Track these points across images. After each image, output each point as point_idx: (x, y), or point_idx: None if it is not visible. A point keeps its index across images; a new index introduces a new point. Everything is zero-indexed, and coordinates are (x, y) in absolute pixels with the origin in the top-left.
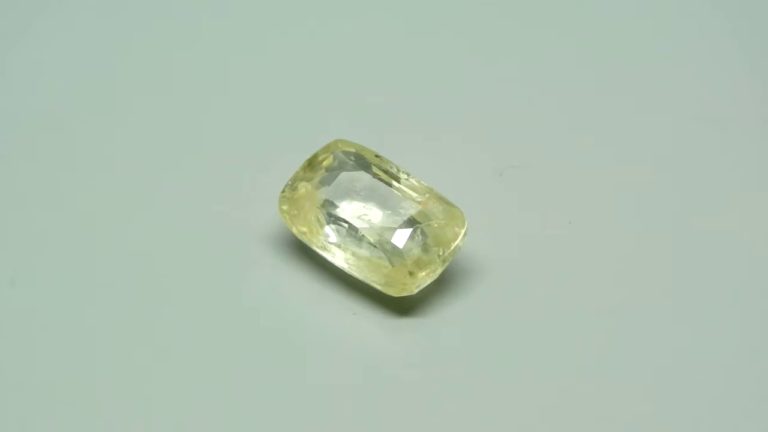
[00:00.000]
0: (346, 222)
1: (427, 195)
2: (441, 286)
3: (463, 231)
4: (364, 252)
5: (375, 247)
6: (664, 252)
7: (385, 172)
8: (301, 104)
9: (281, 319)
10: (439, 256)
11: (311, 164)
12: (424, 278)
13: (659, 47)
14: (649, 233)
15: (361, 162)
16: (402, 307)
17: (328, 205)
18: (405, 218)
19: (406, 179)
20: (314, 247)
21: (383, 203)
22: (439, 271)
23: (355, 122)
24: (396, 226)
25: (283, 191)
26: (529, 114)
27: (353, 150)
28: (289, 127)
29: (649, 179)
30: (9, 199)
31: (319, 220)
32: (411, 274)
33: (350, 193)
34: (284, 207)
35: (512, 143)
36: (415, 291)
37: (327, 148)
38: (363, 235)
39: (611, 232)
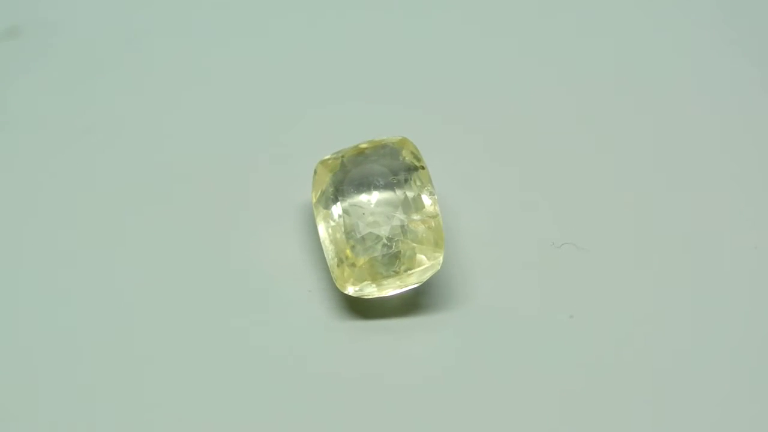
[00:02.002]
0: (344, 202)
1: (426, 217)
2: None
3: (432, 267)
4: (337, 232)
5: (345, 232)
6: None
7: (414, 182)
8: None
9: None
10: (395, 274)
11: (359, 146)
12: (365, 286)
13: None
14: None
15: (402, 165)
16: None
17: (342, 182)
18: (391, 225)
19: (426, 195)
20: (315, 215)
21: (385, 203)
22: (389, 290)
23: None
24: (377, 225)
25: (327, 158)
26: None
27: (406, 151)
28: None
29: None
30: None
31: (326, 192)
32: (350, 272)
33: (366, 184)
34: (317, 169)
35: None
36: (349, 291)
37: (385, 140)
38: (346, 221)
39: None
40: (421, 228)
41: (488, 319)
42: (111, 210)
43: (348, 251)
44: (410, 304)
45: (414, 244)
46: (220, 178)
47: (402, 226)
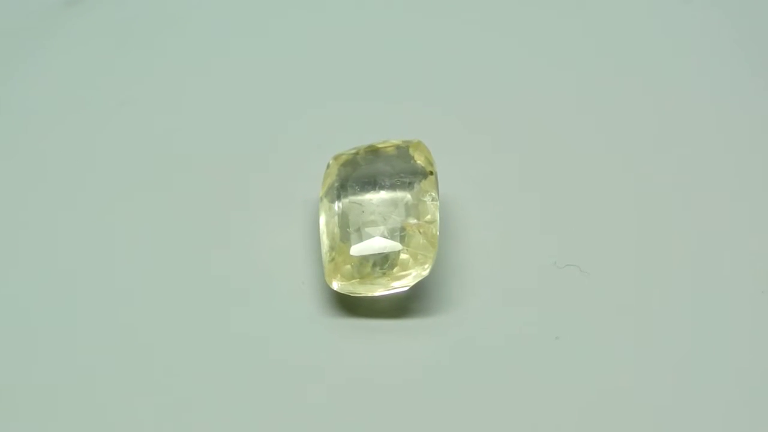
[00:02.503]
0: (346, 197)
1: (423, 223)
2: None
3: (420, 273)
4: (334, 226)
5: (341, 227)
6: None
7: (421, 186)
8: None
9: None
10: (382, 275)
11: (376, 145)
12: (352, 284)
13: None
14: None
15: (411, 168)
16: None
17: (348, 179)
18: (386, 226)
19: (428, 201)
20: (319, 207)
21: (386, 204)
22: (375, 291)
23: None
24: (373, 224)
25: (342, 153)
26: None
27: (419, 155)
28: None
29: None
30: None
31: (332, 186)
32: (339, 267)
33: (372, 182)
34: (329, 163)
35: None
36: (334, 286)
37: (401, 141)
38: (344, 216)
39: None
40: (415, 233)
41: (474, 330)
42: (115, 195)
43: (341, 246)
44: (400, 307)
45: (406, 248)
46: (235, 169)
47: (397, 229)
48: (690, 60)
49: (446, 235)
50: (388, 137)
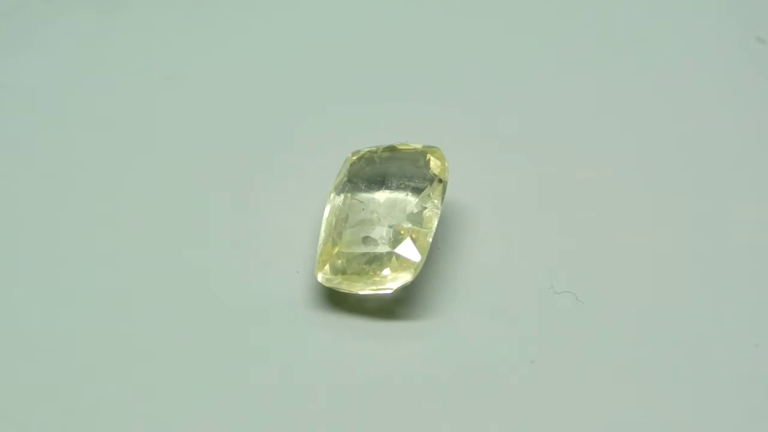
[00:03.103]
0: (351, 192)
1: (417, 229)
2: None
3: (404, 278)
4: (333, 219)
5: (338, 220)
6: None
7: (426, 193)
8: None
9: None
10: (367, 274)
11: (395, 145)
12: (337, 278)
13: None
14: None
15: (422, 174)
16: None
17: (356, 174)
18: (381, 226)
19: (429, 209)
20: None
21: (388, 205)
22: (358, 289)
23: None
24: (369, 223)
25: (361, 149)
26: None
27: (434, 161)
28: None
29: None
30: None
31: (342, 179)
32: (328, 259)
33: (380, 182)
34: (347, 157)
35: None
36: (318, 278)
37: (419, 146)
38: (344, 210)
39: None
40: (407, 238)
41: (453, 341)
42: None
43: (334, 239)
44: (386, 309)
45: (395, 252)
46: (265, 153)
47: (391, 231)
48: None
49: (448, 243)
50: (417, 139)
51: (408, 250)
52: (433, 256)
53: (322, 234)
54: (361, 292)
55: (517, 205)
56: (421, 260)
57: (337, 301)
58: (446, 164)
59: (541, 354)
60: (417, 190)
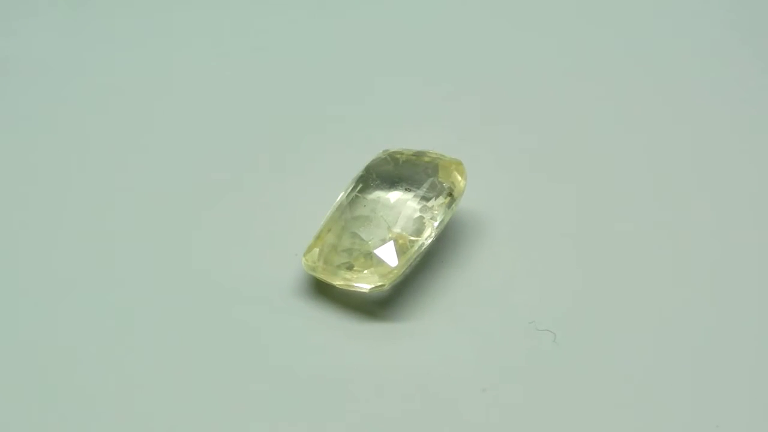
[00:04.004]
0: (360, 187)
1: (407, 237)
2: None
3: (378, 284)
4: (338, 208)
5: (339, 210)
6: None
7: (433, 205)
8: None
9: None
10: (345, 269)
11: (423, 151)
12: (318, 265)
13: None
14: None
15: (434, 184)
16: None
17: (372, 170)
18: (374, 228)
19: (427, 220)
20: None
21: (389, 208)
22: (334, 281)
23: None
24: (365, 220)
25: (393, 149)
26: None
27: (454, 176)
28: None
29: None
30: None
31: (359, 174)
32: (317, 245)
33: (392, 183)
34: (379, 153)
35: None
36: (301, 260)
37: (443, 156)
38: (347, 202)
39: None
40: (390, 242)
41: (420, 350)
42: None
43: (328, 227)
44: (365, 306)
45: (376, 255)
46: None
47: (382, 234)
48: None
49: (452, 255)
50: (457, 149)
51: (387, 254)
52: (431, 265)
53: (323, 222)
54: (337, 285)
55: (536, 230)
56: (398, 266)
57: (323, 290)
58: (464, 180)
59: (497, 384)
60: (424, 199)
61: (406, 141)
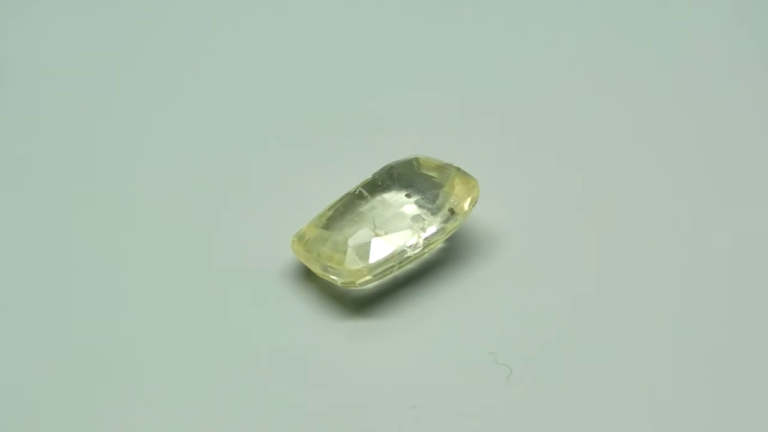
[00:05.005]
0: (369, 184)
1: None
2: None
3: (344, 284)
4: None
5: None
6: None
7: (430, 221)
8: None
9: None
10: (320, 257)
11: (446, 165)
12: (302, 245)
13: None
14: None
15: (440, 197)
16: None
17: (389, 170)
18: (362, 229)
19: (418, 233)
20: None
21: (385, 208)
22: (311, 264)
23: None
24: (359, 216)
25: (424, 155)
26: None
27: (466, 200)
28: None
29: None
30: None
31: (377, 171)
32: (310, 226)
33: (402, 186)
34: (409, 156)
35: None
36: (290, 246)
37: (462, 175)
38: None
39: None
40: (370, 241)
41: (378, 351)
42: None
43: (325, 213)
44: (345, 299)
45: (351, 254)
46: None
47: (365, 234)
48: None
49: (445, 265)
50: (492, 164)
51: (362, 252)
52: (432, 273)
53: (323, 208)
54: (314, 270)
55: (539, 255)
56: (369, 267)
57: (313, 281)
58: (473, 200)
59: (420, 401)
60: (422, 208)
61: (443, 151)
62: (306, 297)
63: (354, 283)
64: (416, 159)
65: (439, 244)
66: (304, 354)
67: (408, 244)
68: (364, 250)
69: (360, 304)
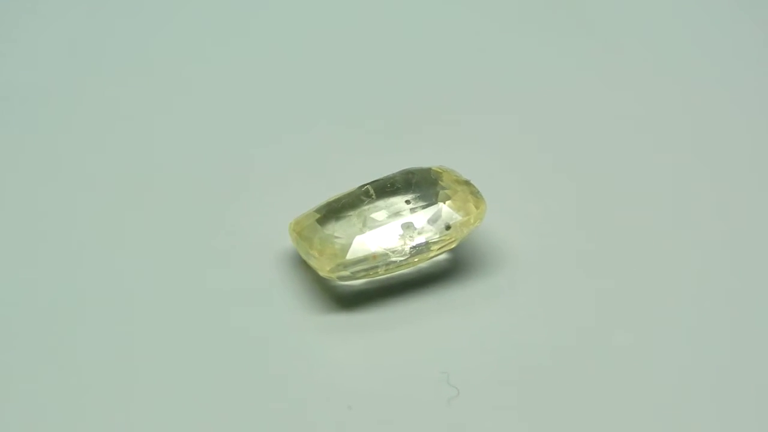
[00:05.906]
0: (377, 182)
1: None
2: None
3: (319, 276)
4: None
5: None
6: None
7: (422, 230)
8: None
9: None
10: (308, 245)
11: (463, 181)
12: (293, 232)
13: None
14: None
15: (441, 212)
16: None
17: (402, 174)
18: (353, 229)
19: (406, 241)
20: None
21: (381, 210)
22: (298, 247)
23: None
24: (357, 214)
25: (441, 166)
26: None
27: (467, 209)
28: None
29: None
30: None
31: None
32: (304, 215)
33: (406, 190)
34: (429, 165)
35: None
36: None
37: (470, 193)
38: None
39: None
40: (354, 237)
41: (351, 348)
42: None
43: (329, 204)
44: (335, 296)
45: (332, 248)
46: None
47: (352, 232)
48: None
49: (439, 273)
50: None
51: (341, 249)
52: (432, 278)
53: (328, 199)
54: (302, 256)
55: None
56: (345, 263)
57: (308, 273)
58: (474, 220)
59: (361, 405)
60: (418, 218)
61: (474, 168)
62: (295, 287)
63: (333, 276)
64: (434, 169)
65: (438, 255)
66: (266, 337)
67: (392, 250)
68: (344, 247)
69: (344, 299)
